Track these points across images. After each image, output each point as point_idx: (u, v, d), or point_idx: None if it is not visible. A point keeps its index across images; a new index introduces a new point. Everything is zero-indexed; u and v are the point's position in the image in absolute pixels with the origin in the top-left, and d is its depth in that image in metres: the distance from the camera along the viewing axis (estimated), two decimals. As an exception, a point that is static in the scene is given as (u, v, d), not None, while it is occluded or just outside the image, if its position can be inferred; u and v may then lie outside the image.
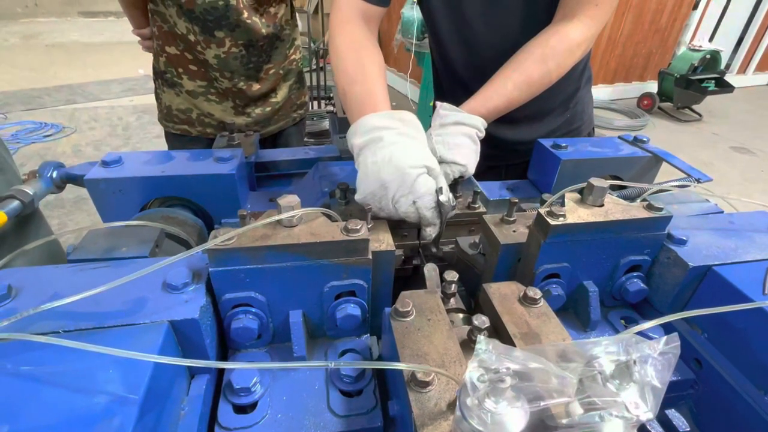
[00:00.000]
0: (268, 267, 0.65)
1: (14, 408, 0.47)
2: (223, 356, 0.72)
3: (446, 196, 0.82)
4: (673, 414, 0.67)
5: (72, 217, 3.37)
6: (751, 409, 0.66)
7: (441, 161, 0.93)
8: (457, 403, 0.42)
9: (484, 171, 1.38)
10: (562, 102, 1.34)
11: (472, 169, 0.96)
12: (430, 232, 0.86)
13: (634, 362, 0.41)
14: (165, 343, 0.56)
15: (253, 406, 0.64)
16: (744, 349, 0.69)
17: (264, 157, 1.32)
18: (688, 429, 0.66)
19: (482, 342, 0.41)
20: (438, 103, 1.04)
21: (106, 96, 6.06)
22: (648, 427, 0.64)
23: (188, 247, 0.88)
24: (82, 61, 7.36)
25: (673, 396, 0.74)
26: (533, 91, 1.05)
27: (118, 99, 5.98)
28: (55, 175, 1.22)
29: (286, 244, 0.64)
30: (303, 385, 0.67)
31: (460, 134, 0.96)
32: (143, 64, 7.00)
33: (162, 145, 1.67)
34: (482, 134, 1.00)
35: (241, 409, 0.64)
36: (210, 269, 0.64)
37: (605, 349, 0.44)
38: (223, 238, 0.62)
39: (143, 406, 0.49)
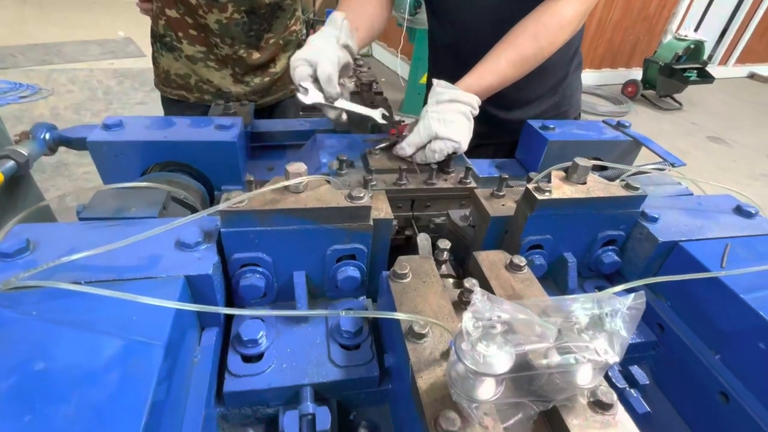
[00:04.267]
0: (275, 229, 0.70)
1: (47, 348, 0.51)
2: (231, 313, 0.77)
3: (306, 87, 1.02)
4: (635, 369, 0.76)
5: (53, 183, 3.29)
6: (703, 367, 0.75)
7: (436, 137, 0.98)
8: (453, 349, 0.48)
9: (474, 148, 1.43)
10: (552, 86, 1.39)
11: (465, 145, 1.01)
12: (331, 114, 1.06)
13: (606, 314, 0.48)
14: (182, 296, 0.61)
15: (259, 357, 0.69)
16: (702, 315, 0.77)
17: (259, 127, 1.34)
18: (648, 382, 0.74)
19: (478, 293, 0.46)
20: (435, 81, 1.07)
21: (84, 58, 5.82)
22: (613, 379, 0.72)
23: (192, 210, 0.91)
24: (57, 19, 7.00)
25: (637, 356, 0.83)
26: (527, 67, 1.09)
27: (97, 62, 5.75)
28: (48, 136, 1.22)
29: (294, 209, 0.68)
30: (305, 339, 0.73)
31: (456, 111, 1.00)
32: (123, 25, 6.73)
33: (144, 111, 1.66)
34: (476, 112, 1.04)
35: (248, 359, 0.69)
36: (221, 230, 0.68)
37: (582, 305, 0.51)
38: (235, 200, 0.65)
39: (166, 350, 0.53)
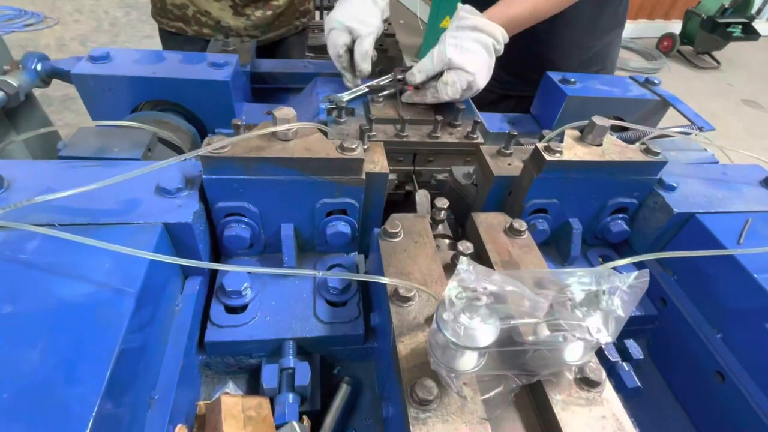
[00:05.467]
0: (261, 179, 0.66)
1: (15, 291, 0.49)
2: (216, 261, 0.75)
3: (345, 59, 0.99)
4: (630, 343, 0.73)
5: (60, 116, 3.27)
6: (701, 344, 0.72)
7: (450, 67, 0.90)
8: (434, 316, 0.45)
9: (499, 99, 1.35)
10: (593, 36, 1.26)
11: (480, 80, 0.92)
12: (345, 80, 1.03)
13: (604, 292, 0.44)
14: (159, 244, 0.58)
15: (243, 308, 0.68)
16: (709, 292, 0.73)
17: (260, 67, 1.27)
18: (642, 357, 0.72)
19: (464, 262, 0.43)
20: (459, 5, 0.97)
21: (89, -16, 5.56)
22: (606, 353, 0.70)
23: (181, 153, 0.87)
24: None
25: (634, 329, 0.80)
26: None
27: (103, -11, 5.50)
28: (39, 67, 1.16)
29: (280, 158, 0.64)
30: (291, 292, 0.71)
31: (475, 41, 0.91)
32: (128, -50, 6.34)
33: (152, 45, 1.57)
34: (500, 47, 0.94)
35: (232, 310, 0.68)
36: (203, 176, 0.64)
37: (579, 279, 0.47)
38: (216, 145, 0.61)
39: (140, 298, 0.51)
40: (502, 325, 0.43)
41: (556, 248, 0.86)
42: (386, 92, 1.00)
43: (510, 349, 0.46)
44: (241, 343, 0.65)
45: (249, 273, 0.70)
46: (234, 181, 0.65)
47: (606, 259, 0.86)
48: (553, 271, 0.50)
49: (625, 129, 1.03)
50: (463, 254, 0.64)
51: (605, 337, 0.44)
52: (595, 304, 0.45)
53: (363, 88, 1.01)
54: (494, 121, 1.16)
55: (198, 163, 0.69)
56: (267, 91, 1.29)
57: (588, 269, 0.47)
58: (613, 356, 0.69)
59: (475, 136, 0.94)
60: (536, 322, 0.45)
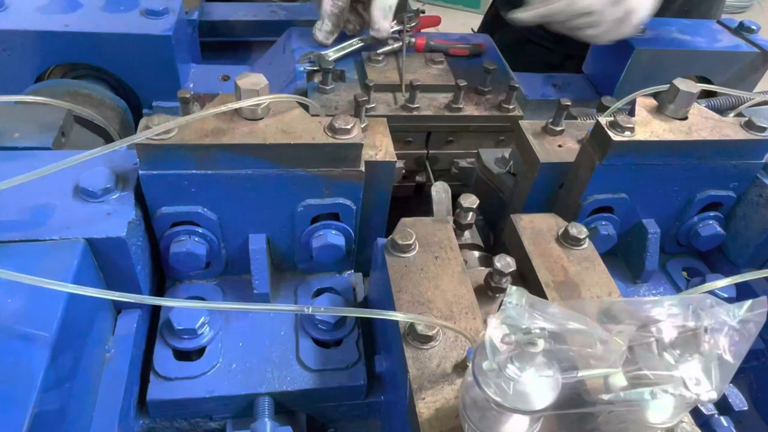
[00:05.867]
0: (221, 174, 0.65)
1: None
2: (160, 287, 0.75)
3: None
4: (730, 390, 0.73)
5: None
6: (826, 390, 0.72)
7: None
8: (470, 366, 0.44)
9: (563, 60, 1.36)
10: None
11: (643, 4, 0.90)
12: (317, 27, 1.02)
13: (705, 330, 0.43)
14: (81, 268, 0.57)
15: (199, 353, 0.68)
16: (834, 317, 0.73)
17: (211, 14, 1.27)
18: (746, 408, 0.72)
19: (513, 294, 0.41)
20: None
21: None
22: (698, 404, 0.69)
23: (107, 137, 0.86)
24: None
25: (734, 368, 0.80)
26: None
27: None
28: None
29: (247, 144, 0.63)
30: (265, 329, 0.71)
31: None
32: None
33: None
34: None
35: (184, 356, 0.67)
36: (140, 172, 0.63)
37: (667, 311, 0.46)
38: (158, 129, 0.60)
39: (56, 345, 0.50)
40: (564, 378, 0.43)
41: (624, 260, 0.87)
42: (388, 47, 0.99)
43: (575, 411, 0.45)
44: (197, 402, 0.64)
45: (206, 301, 0.69)
46: (183, 177, 0.64)
47: (692, 272, 0.87)
48: (629, 300, 0.49)
49: (713, 94, 1.03)
50: (502, 273, 0.63)
51: (708, 393, 0.43)
52: (693, 346, 0.44)
53: (355, 42, 1.00)
54: (534, 85, 1.16)
55: (132, 153, 0.68)
56: (222, 46, 1.30)
57: (680, 296, 0.47)
58: (708, 409, 0.69)
59: (510, 106, 0.94)
60: (612, 372, 0.44)
